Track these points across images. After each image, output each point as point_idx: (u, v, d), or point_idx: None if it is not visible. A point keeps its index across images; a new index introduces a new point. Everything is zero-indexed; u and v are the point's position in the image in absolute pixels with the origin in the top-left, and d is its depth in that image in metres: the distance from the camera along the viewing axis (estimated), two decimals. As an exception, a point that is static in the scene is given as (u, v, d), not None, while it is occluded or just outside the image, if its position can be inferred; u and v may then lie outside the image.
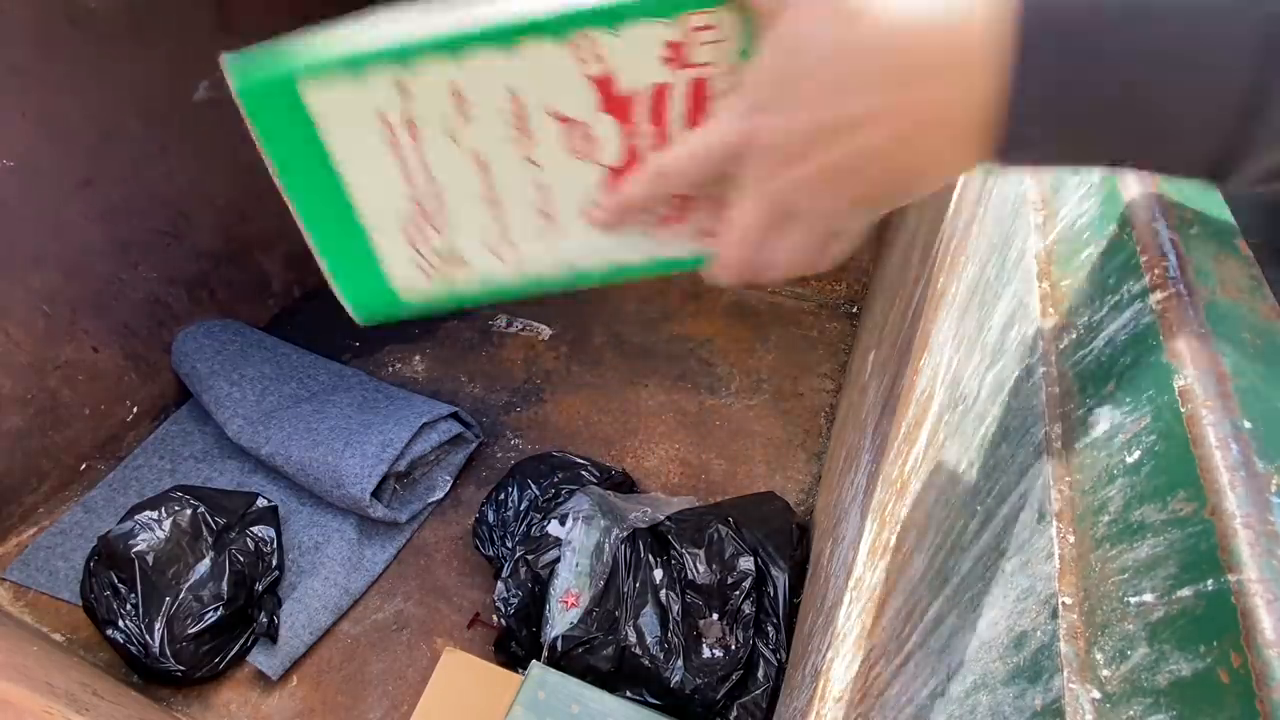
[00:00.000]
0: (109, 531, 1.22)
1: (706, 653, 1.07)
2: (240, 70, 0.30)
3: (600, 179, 0.32)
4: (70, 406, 1.47)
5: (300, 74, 0.29)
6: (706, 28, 0.27)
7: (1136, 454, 0.19)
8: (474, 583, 1.35)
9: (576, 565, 1.14)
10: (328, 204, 0.34)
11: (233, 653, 1.22)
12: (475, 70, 0.28)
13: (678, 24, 0.27)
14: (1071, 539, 0.21)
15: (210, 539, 1.25)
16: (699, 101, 0.30)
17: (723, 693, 1.05)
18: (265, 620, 1.22)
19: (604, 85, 0.29)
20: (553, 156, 0.31)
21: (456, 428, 1.49)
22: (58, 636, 1.27)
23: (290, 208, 0.33)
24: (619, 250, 0.34)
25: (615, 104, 0.30)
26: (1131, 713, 0.16)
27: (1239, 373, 0.18)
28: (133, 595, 1.18)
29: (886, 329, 1.02)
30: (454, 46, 0.28)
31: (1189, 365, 0.19)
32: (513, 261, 0.35)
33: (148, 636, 1.16)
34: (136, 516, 1.22)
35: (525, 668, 1.00)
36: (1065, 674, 0.18)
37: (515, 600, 1.15)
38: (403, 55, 0.28)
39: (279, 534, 1.33)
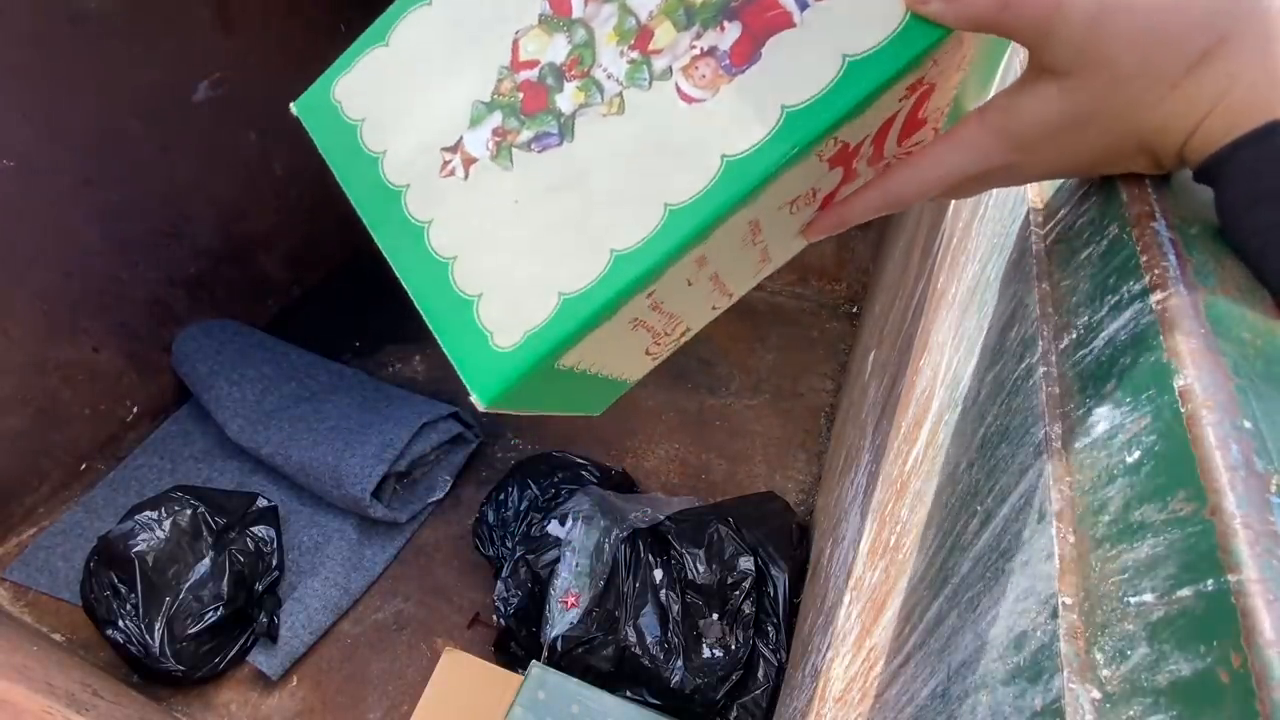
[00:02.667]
0: (109, 531, 1.22)
1: (706, 653, 1.07)
2: (493, 387, 0.27)
3: (813, 211, 0.32)
4: (70, 406, 1.47)
5: (557, 354, 0.27)
6: (945, 51, 0.26)
7: (1136, 454, 0.19)
8: (474, 583, 1.35)
9: (576, 565, 1.14)
10: (577, 391, 0.33)
11: (233, 653, 1.22)
12: (721, 232, 0.27)
13: (924, 65, 0.26)
14: (1071, 539, 0.21)
15: (210, 539, 1.25)
16: (918, 106, 0.29)
17: (723, 693, 1.05)
18: (265, 620, 1.22)
19: (840, 153, 0.28)
20: (776, 227, 0.31)
21: (456, 428, 1.49)
22: (58, 636, 1.27)
23: (551, 413, 0.34)
24: (799, 243, 0.36)
25: (843, 158, 0.29)
26: (1131, 713, 0.16)
27: (1239, 373, 0.18)
28: (133, 595, 1.17)
29: (886, 329, 1.02)
30: (707, 229, 0.26)
31: (1189, 365, 0.19)
32: (724, 305, 0.37)
33: (148, 636, 1.16)
34: (136, 516, 1.22)
35: (525, 668, 1.00)
36: (1065, 674, 0.18)
37: (515, 600, 1.15)
38: (657, 272, 0.27)
39: (279, 534, 1.33)
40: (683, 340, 0.38)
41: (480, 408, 0.27)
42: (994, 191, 0.46)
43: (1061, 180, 0.32)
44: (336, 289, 2.02)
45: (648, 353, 0.36)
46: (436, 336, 0.28)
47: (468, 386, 0.27)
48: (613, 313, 0.27)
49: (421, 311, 0.29)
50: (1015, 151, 0.25)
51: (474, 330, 0.28)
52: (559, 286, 0.27)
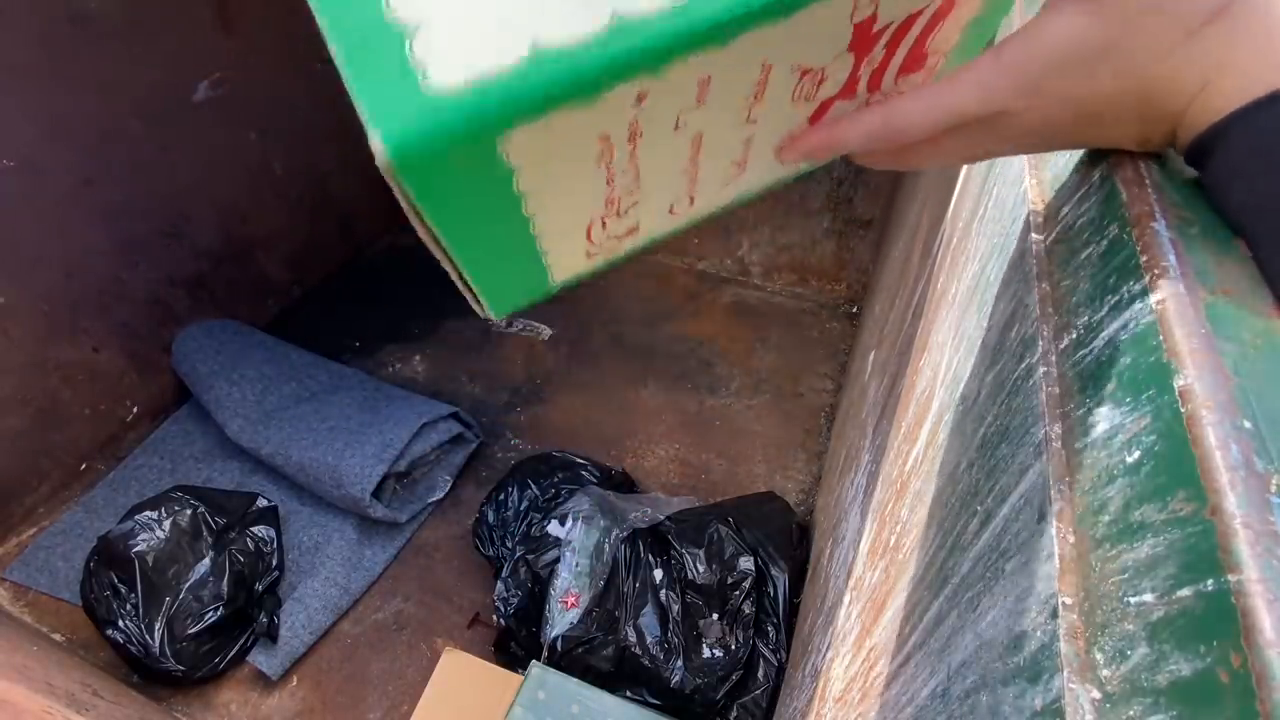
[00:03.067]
0: (109, 531, 1.22)
1: (706, 653, 1.07)
2: (406, 130, 0.20)
3: (806, 116, 0.29)
4: (70, 406, 1.47)
5: (510, 120, 0.21)
6: None
7: (1136, 454, 0.19)
8: (474, 583, 1.35)
9: (576, 565, 1.14)
10: (496, 234, 0.27)
11: (233, 653, 1.22)
12: (737, 51, 0.23)
13: None
14: (1071, 539, 0.21)
15: (210, 539, 1.25)
16: (933, 25, 0.27)
17: (723, 693, 1.05)
18: (265, 620, 1.22)
19: (864, 26, 0.25)
20: (774, 109, 0.27)
21: (456, 428, 1.49)
22: (58, 636, 1.27)
23: (435, 246, 0.26)
24: (781, 171, 0.31)
25: (863, 41, 0.26)
26: (1131, 713, 0.16)
27: (1239, 373, 0.18)
28: (133, 595, 1.17)
29: (886, 329, 1.02)
30: (730, 22, 0.21)
31: (1189, 365, 0.19)
32: (683, 214, 0.32)
33: (148, 636, 1.16)
34: (136, 516, 1.22)
35: (525, 668, 1.00)
36: (1065, 674, 0.18)
37: (515, 600, 1.15)
38: (664, 54, 0.21)
39: (279, 534, 1.33)
40: (627, 247, 0.32)
41: (381, 157, 0.20)
42: (994, 191, 0.46)
43: (1062, 180, 0.32)
44: (336, 289, 2.02)
45: (589, 237, 0.30)
46: (342, 73, 0.20)
47: (369, 126, 0.20)
48: (594, 95, 0.21)
49: (330, 42, 0.21)
50: (1020, 95, 0.25)
51: (399, 67, 0.20)
52: (535, 35, 0.20)
